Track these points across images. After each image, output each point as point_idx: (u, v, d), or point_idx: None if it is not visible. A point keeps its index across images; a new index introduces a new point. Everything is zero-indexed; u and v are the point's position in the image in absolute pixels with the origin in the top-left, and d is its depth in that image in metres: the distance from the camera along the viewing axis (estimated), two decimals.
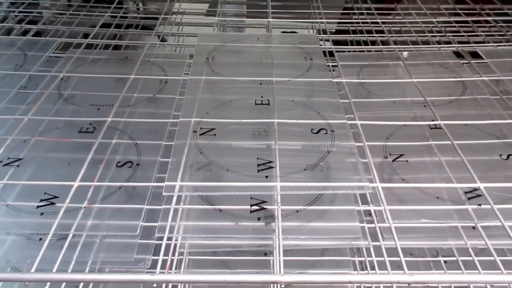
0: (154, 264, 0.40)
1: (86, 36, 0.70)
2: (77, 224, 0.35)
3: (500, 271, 0.30)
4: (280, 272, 0.28)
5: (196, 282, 0.27)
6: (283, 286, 0.27)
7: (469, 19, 0.71)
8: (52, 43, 0.60)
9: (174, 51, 0.70)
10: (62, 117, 0.47)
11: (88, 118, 0.45)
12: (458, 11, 0.74)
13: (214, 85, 0.49)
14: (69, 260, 0.35)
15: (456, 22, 0.71)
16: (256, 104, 0.45)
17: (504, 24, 0.70)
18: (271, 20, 0.64)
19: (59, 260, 0.33)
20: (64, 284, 0.39)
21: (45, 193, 0.38)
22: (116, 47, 0.65)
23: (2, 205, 0.37)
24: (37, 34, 0.70)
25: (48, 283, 0.32)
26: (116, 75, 0.52)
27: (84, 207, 0.36)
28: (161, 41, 0.74)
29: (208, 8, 0.90)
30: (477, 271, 0.33)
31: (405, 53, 0.61)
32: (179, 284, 0.41)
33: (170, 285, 0.40)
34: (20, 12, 0.72)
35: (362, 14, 0.73)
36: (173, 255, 0.37)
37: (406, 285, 0.29)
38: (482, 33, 0.67)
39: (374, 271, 0.38)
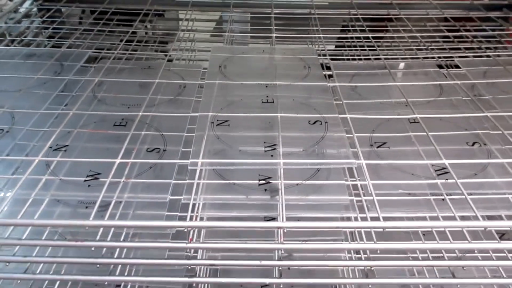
0: (177, 234, 0.48)
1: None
2: (116, 195, 0.43)
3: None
4: (283, 220, 0.35)
5: (214, 227, 0.34)
6: (285, 231, 0.35)
7: (451, 34, 0.80)
8: (83, 54, 0.69)
9: (188, 63, 0.79)
10: (98, 114, 0.56)
11: (121, 113, 0.54)
12: (441, 28, 0.83)
13: (227, 88, 0.58)
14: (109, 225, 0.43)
15: (440, 37, 0.80)
16: (262, 102, 0.53)
17: (482, 39, 0.79)
18: (274, 35, 0.73)
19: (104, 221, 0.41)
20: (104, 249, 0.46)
21: (90, 170, 0.46)
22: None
23: (55, 179, 0.45)
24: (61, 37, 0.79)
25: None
26: (143, 80, 0.60)
27: (123, 181, 0.44)
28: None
29: (215, 26, 1.00)
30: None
31: (401, 64, 0.70)
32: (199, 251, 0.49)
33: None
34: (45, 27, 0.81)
35: (356, 31, 0.82)
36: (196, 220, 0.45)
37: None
38: (462, 47, 0.76)
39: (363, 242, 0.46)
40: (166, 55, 0.71)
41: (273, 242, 0.47)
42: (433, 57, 0.69)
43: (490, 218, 0.47)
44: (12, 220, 0.37)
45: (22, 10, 0.83)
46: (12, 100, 0.56)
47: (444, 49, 0.76)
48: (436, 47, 0.77)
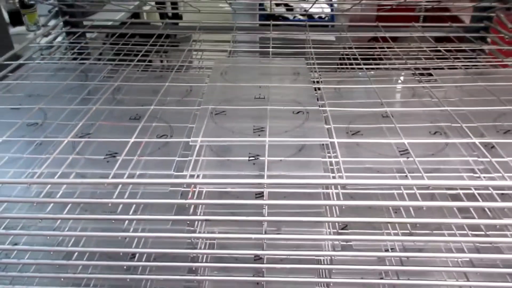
0: (178, 210, 0.56)
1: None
2: (129, 170, 0.52)
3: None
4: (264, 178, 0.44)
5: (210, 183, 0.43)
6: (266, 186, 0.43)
7: (430, 51, 0.89)
8: (105, 67, 0.80)
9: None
10: (116, 110, 0.65)
11: (136, 107, 0.63)
12: (423, 47, 0.92)
13: (226, 88, 0.67)
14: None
15: (421, 53, 0.90)
16: (255, 98, 0.63)
17: (459, 56, 0.88)
18: (271, 50, 0.83)
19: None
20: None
21: (108, 150, 0.55)
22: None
23: (81, 157, 0.54)
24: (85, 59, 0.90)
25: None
26: (155, 84, 0.70)
27: (136, 158, 0.53)
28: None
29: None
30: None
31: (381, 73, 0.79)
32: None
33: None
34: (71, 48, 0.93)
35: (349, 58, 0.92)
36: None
37: None
38: (438, 61, 0.85)
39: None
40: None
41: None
42: (409, 68, 0.78)
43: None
44: (47, 179, 0.46)
45: (53, 33, 0.95)
46: (45, 101, 0.66)
47: (424, 61, 0.85)
48: (415, 60, 0.86)
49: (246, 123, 0.56)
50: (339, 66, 0.91)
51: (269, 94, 0.64)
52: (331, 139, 0.52)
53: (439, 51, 0.90)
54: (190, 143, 0.52)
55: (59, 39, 0.98)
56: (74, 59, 0.93)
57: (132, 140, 0.53)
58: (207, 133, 0.54)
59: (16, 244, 0.55)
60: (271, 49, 0.85)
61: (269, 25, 0.98)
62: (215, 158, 0.53)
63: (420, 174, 0.50)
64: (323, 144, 0.57)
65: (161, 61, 1.03)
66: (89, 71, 0.79)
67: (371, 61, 0.93)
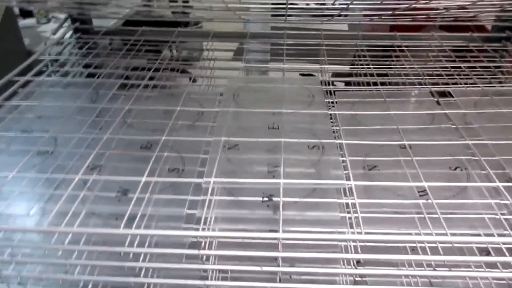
0: (192, 244, 0.55)
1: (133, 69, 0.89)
2: (142, 209, 0.51)
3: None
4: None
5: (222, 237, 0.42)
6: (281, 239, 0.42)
7: (449, 64, 0.86)
8: (115, 84, 0.79)
9: (207, 90, 0.88)
10: (127, 137, 0.64)
11: (147, 137, 0.62)
12: (441, 59, 0.89)
13: (238, 115, 0.66)
14: (135, 234, 0.51)
15: (439, 67, 0.87)
16: (269, 128, 0.61)
17: (479, 69, 0.85)
18: (285, 66, 0.81)
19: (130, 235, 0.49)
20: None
21: (120, 187, 0.54)
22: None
23: (91, 194, 0.54)
24: (95, 67, 0.89)
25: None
26: (166, 107, 0.69)
27: (147, 196, 0.52)
28: (192, 81, 0.92)
29: (233, 56, 1.09)
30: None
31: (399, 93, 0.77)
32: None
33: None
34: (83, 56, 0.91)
35: (362, 61, 0.89)
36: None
37: None
38: (457, 77, 0.82)
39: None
40: (190, 79, 0.80)
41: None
42: (426, 84, 0.75)
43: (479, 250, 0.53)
44: (57, 228, 0.46)
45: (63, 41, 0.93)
46: (56, 125, 0.66)
47: (442, 77, 0.83)
48: (435, 74, 0.84)
49: (260, 162, 0.55)
50: (356, 78, 0.89)
51: (282, 122, 0.63)
52: (348, 182, 0.50)
53: (457, 61, 0.87)
54: (203, 185, 0.51)
55: (69, 47, 0.96)
56: (85, 66, 0.92)
57: (144, 179, 0.52)
58: (220, 171, 0.52)
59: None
60: (284, 57, 0.84)
61: (282, 32, 0.96)
62: (228, 198, 0.52)
63: (438, 217, 0.48)
64: None
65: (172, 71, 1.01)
66: (100, 87, 0.78)
67: (386, 70, 0.90)
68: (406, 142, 0.57)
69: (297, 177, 0.52)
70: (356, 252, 0.54)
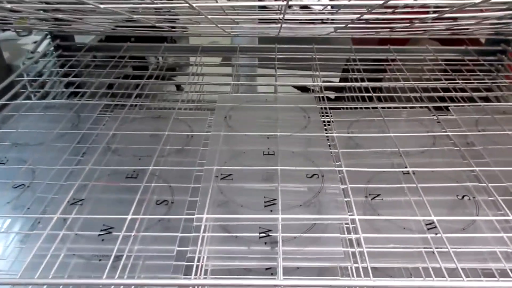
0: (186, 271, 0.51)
1: (118, 86, 0.85)
2: (128, 248, 0.47)
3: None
4: (280, 278, 0.39)
5: (218, 285, 0.38)
6: None
7: (443, 77, 0.83)
8: (98, 106, 0.74)
9: (197, 104, 0.84)
10: (111, 165, 0.60)
11: (133, 167, 0.58)
12: (437, 73, 0.87)
13: (231, 139, 0.62)
14: (121, 276, 0.47)
15: (434, 79, 0.84)
16: (264, 154, 0.57)
17: (476, 83, 0.83)
18: (277, 83, 0.78)
19: (117, 276, 0.44)
20: None
21: (103, 224, 0.50)
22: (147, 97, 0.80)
23: (71, 233, 0.49)
24: (78, 86, 0.84)
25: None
26: (153, 132, 0.65)
27: (133, 235, 0.48)
28: (178, 89, 0.88)
29: (221, 62, 1.05)
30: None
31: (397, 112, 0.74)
32: None
33: None
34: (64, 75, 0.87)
35: (354, 74, 0.86)
36: (200, 274, 0.49)
37: None
38: (454, 92, 0.79)
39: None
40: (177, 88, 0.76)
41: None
42: (427, 107, 0.73)
43: (484, 274, 0.50)
44: (30, 280, 0.41)
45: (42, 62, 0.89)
46: (34, 153, 0.61)
47: (438, 92, 0.80)
48: (430, 89, 0.81)
49: (256, 192, 0.51)
50: (347, 95, 0.86)
51: (278, 146, 0.59)
52: (351, 216, 0.47)
53: (453, 75, 0.84)
54: (194, 223, 0.47)
55: (50, 65, 0.91)
56: (67, 86, 0.87)
57: (130, 217, 0.47)
58: (213, 205, 0.48)
59: None
60: (276, 73, 0.80)
61: (274, 45, 0.93)
62: (222, 235, 0.48)
63: (447, 251, 0.45)
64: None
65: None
66: (81, 110, 0.73)
67: (380, 84, 0.87)
68: (410, 169, 0.54)
69: (296, 210, 0.48)
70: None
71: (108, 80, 0.83)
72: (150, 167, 0.55)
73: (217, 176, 0.53)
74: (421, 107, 0.74)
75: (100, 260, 0.48)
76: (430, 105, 0.73)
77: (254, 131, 0.63)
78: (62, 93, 0.88)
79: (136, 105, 0.76)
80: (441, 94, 0.80)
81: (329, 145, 0.62)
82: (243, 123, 0.66)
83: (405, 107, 0.75)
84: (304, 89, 1.19)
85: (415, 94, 0.78)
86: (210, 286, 0.43)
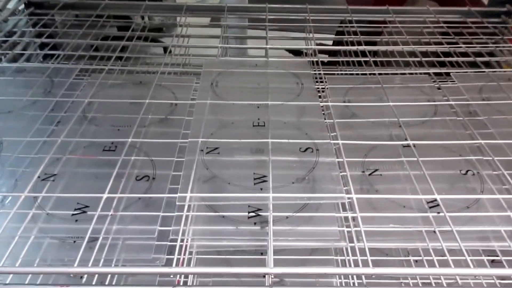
0: (167, 262, 0.48)
1: (98, 48, 0.79)
2: (105, 229, 0.43)
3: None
4: (271, 266, 0.35)
5: (203, 273, 0.34)
6: (273, 277, 0.35)
7: (445, 41, 0.78)
8: (74, 70, 0.68)
9: (182, 68, 0.78)
10: (87, 137, 0.55)
11: (110, 139, 0.53)
12: (437, 36, 0.82)
13: (218, 108, 0.57)
14: (98, 258, 0.43)
15: (435, 43, 0.79)
16: (253, 125, 0.53)
17: (478, 47, 0.78)
18: (268, 47, 0.72)
19: (92, 259, 0.41)
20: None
21: (77, 203, 0.45)
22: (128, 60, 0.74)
23: (42, 213, 0.45)
24: (53, 47, 0.78)
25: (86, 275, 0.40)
26: (133, 100, 0.59)
27: (111, 214, 0.43)
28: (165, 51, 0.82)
29: (210, 22, 0.99)
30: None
31: (395, 79, 0.69)
32: (189, 277, 0.49)
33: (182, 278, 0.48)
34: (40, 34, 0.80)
35: (350, 36, 0.81)
36: (184, 254, 0.45)
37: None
38: (456, 56, 0.74)
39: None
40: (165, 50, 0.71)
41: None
42: (427, 73, 0.68)
43: (484, 251, 0.47)
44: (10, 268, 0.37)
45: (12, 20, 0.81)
46: (1, 122, 0.56)
47: (439, 56, 0.75)
48: (430, 53, 0.76)
49: (245, 168, 0.47)
50: (345, 58, 0.81)
51: (269, 116, 0.54)
52: (349, 195, 0.43)
53: (454, 39, 0.79)
54: (177, 203, 0.42)
55: (21, 24, 0.84)
56: (41, 47, 0.81)
57: (105, 196, 0.43)
58: (197, 185, 0.44)
59: None
60: (267, 36, 0.75)
61: (264, 5, 0.86)
62: (208, 214, 0.44)
63: (450, 229, 0.42)
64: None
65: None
66: (55, 74, 0.68)
67: (378, 48, 0.82)
68: (410, 142, 0.50)
69: (288, 188, 0.44)
70: (356, 266, 0.48)
71: (85, 41, 0.77)
72: (129, 139, 0.51)
73: (202, 150, 0.49)
74: (421, 73, 0.69)
75: (74, 241, 0.44)
76: (431, 71, 0.69)
77: (243, 99, 0.58)
78: (36, 56, 0.81)
79: (116, 69, 0.70)
80: (442, 59, 0.75)
81: (324, 114, 0.58)
82: (231, 91, 0.61)
83: (404, 73, 0.71)
84: (296, 52, 1.13)
85: (414, 58, 0.73)
86: (192, 274, 0.39)
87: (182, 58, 0.84)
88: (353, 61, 0.77)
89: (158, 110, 0.59)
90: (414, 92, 0.65)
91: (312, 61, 0.71)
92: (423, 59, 0.70)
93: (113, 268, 0.39)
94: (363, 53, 0.75)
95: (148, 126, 0.57)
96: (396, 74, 0.70)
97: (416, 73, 0.69)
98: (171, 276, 0.35)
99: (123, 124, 0.57)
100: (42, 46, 0.80)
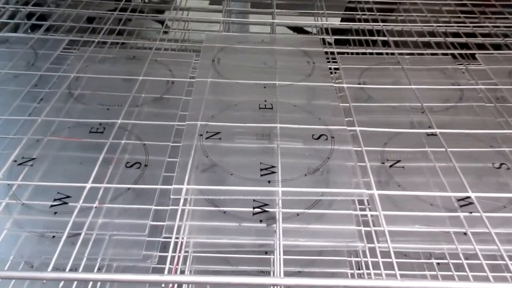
0: (160, 260, 0.42)
1: (90, 21, 0.73)
2: (88, 223, 0.38)
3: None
4: (280, 275, 0.30)
5: (201, 282, 0.29)
6: None
7: (468, 21, 0.72)
8: (61, 42, 0.62)
9: (180, 48, 0.71)
10: (73, 116, 0.49)
11: (98, 119, 0.47)
12: (459, 15, 0.75)
13: (220, 87, 0.51)
14: (81, 256, 0.38)
15: (456, 22, 0.73)
16: (259, 108, 0.47)
17: (503, 28, 0.72)
18: (275, 21, 0.65)
19: (73, 257, 0.35)
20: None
21: (58, 192, 0.40)
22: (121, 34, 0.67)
23: (17, 204, 0.39)
24: (42, 17, 0.72)
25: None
26: (126, 76, 0.53)
27: (95, 207, 0.38)
28: (165, 28, 0.75)
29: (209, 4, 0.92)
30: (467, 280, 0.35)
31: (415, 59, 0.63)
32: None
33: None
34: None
35: (364, 13, 0.74)
36: (179, 252, 0.40)
37: None
38: (481, 37, 0.68)
39: (369, 271, 0.41)
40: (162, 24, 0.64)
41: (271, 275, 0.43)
42: (452, 54, 0.62)
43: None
44: None
45: None
46: None
47: (460, 36, 0.69)
48: (449, 33, 0.70)
49: (250, 156, 0.41)
50: (357, 37, 0.74)
51: (277, 98, 0.48)
52: (369, 191, 0.37)
53: (476, 18, 0.73)
54: (172, 196, 0.37)
55: None
56: (28, 17, 0.74)
57: (89, 186, 0.37)
58: (195, 175, 0.39)
59: None
60: (274, 9, 0.68)
61: None
62: (208, 209, 0.39)
63: (484, 231, 0.36)
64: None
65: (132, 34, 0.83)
66: (40, 46, 0.61)
67: (393, 26, 0.76)
68: (437, 130, 0.44)
69: (300, 181, 0.38)
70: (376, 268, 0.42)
71: (75, 10, 0.70)
72: (119, 120, 0.45)
73: (201, 134, 0.43)
74: (443, 53, 0.63)
75: (53, 237, 0.39)
76: (455, 52, 0.63)
77: (248, 78, 0.52)
78: (24, 26, 0.74)
79: (107, 42, 0.64)
80: (464, 39, 0.68)
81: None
82: (234, 68, 0.54)
83: (424, 54, 0.64)
84: (304, 31, 1.07)
85: (436, 38, 0.67)
86: (188, 282, 0.34)
87: (180, 33, 0.77)
88: (366, 41, 0.70)
89: (153, 88, 0.53)
90: (437, 75, 0.59)
91: (323, 39, 0.65)
92: (447, 39, 0.64)
93: (92, 274, 0.33)
94: (378, 33, 0.69)
95: (141, 106, 0.51)
96: (417, 54, 0.64)
97: (438, 54, 0.63)
98: (163, 285, 0.29)
99: (113, 103, 0.51)
100: (29, 17, 0.74)
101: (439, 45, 0.66)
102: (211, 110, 0.46)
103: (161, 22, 0.80)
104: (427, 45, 0.68)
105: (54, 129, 0.47)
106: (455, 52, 0.63)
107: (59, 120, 0.47)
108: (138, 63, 0.58)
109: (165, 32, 0.73)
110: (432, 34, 0.70)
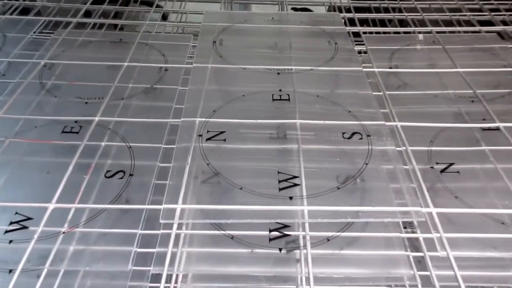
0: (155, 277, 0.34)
1: (78, 13, 0.63)
2: (54, 252, 0.29)
3: None
4: None
5: None
6: None
7: None
8: (36, 22, 0.53)
9: (176, 31, 0.62)
10: (44, 112, 0.40)
11: (73, 116, 0.38)
12: None
13: (223, 74, 0.42)
14: None
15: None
16: (273, 99, 0.37)
17: None
18: None
19: None
20: None
21: (16, 213, 0.31)
22: (111, 26, 0.58)
23: None
24: (25, 11, 0.62)
25: None
26: (108, 62, 0.44)
27: (64, 232, 0.29)
28: (163, 17, 0.65)
29: None
30: None
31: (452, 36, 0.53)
32: None
33: None
34: None
35: None
36: (175, 283, 0.31)
37: None
38: None
39: None
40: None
41: None
42: (497, 32, 0.52)
43: None
44: None
45: None
46: None
47: (503, 14, 0.59)
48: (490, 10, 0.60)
49: (265, 164, 0.32)
50: (378, 16, 0.64)
51: (294, 87, 0.39)
52: (426, 209, 0.28)
53: None
54: (161, 221, 0.28)
55: None
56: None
57: (52, 206, 0.28)
58: (194, 189, 0.29)
59: None
60: None
61: None
62: (210, 232, 0.30)
63: None
64: None
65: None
66: (10, 28, 0.52)
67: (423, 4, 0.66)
68: (500, 125, 0.35)
69: (331, 197, 0.29)
70: None
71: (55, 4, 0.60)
72: (97, 117, 0.36)
73: (201, 135, 0.34)
74: (487, 31, 0.53)
75: (10, 271, 0.30)
76: (500, 28, 0.53)
77: (257, 63, 0.43)
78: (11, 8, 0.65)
79: (89, 24, 0.54)
80: (507, 16, 0.59)
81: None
82: (240, 52, 0.45)
83: (465, 32, 0.55)
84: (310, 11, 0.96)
85: (477, 14, 0.57)
86: None
87: (176, 14, 0.67)
88: (390, 20, 0.61)
89: (142, 77, 0.44)
90: (482, 56, 0.49)
91: (345, 17, 0.55)
92: (492, 14, 0.54)
93: None
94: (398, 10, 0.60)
95: (127, 99, 0.41)
96: (454, 32, 0.54)
97: (481, 32, 0.53)
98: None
99: (93, 96, 0.42)
100: None
101: (468, 23, 0.57)
102: (213, 103, 0.37)
103: (151, 3, 0.70)
104: (465, 23, 0.58)
105: (19, 128, 0.38)
106: (502, 28, 0.53)
107: (25, 118, 0.38)
108: (124, 46, 0.49)
109: (163, 18, 0.64)
110: (458, 11, 0.60)
